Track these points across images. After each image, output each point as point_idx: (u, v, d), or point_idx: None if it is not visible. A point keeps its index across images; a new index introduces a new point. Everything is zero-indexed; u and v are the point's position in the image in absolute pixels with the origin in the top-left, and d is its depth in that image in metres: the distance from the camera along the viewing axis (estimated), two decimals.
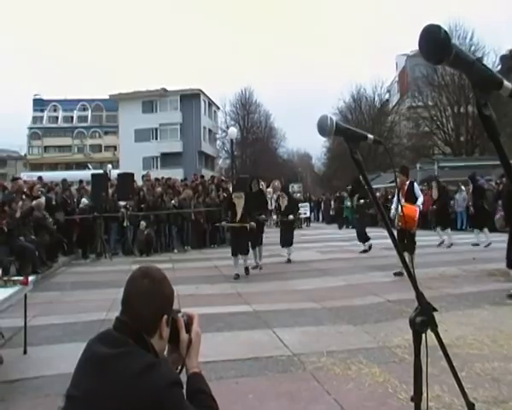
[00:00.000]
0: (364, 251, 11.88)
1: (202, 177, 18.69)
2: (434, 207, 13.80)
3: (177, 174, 25.88)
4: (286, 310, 6.15)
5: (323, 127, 1.36)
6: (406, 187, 8.33)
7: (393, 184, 24.51)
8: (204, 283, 8.40)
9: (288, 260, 10.76)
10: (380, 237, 12.07)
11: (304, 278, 8.63)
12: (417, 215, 8.01)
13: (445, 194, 13.98)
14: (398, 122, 43.20)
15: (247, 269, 9.12)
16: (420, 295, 1.40)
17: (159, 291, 1.45)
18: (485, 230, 12.45)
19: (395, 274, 8.05)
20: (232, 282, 8.52)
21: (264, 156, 47.21)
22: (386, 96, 47.86)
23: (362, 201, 12.06)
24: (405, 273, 1.47)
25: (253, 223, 8.90)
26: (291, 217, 10.95)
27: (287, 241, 10.89)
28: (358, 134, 1.43)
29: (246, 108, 50.73)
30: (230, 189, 15.06)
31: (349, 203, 14.91)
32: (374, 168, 34.45)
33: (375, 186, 28.27)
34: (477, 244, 12.32)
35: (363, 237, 12.16)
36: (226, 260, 10.22)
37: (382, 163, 36.57)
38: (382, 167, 34.16)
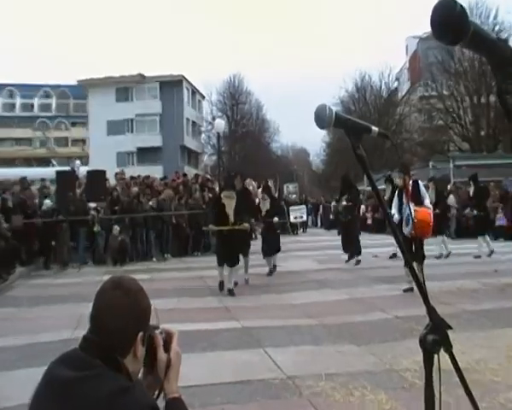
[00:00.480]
0: (354, 261, 11.73)
1: (185, 175, 18.69)
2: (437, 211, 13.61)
3: (155, 172, 25.76)
4: (279, 327, 6.15)
5: (321, 118, 1.36)
6: (411, 187, 8.32)
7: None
8: (186, 295, 8.40)
9: (270, 272, 10.55)
10: (382, 245, 12.17)
11: (300, 290, 8.65)
12: (432, 219, 8.02)
13: (443, 198, 13.90)
14: (409, 114, 43.24)
15: (232, 291, 8.53)
16: (431, 310, 1.40)
17: (133, 305, 1.44)
18: (487, 237, 12.48)
19: (405, 291, 8.03)
20: (218, 295, 8.52)
21: (256, 152, 47.35)
22: (395, 84, 48.09)
23: (348, 203, 11.85)
24: (416, 288, 1.47)
25: (246, 224, 8.85)
26: (275, 219, 10.81)
27: (270, 248, 10.63)
28: (361, 126, 1.43)
29: (235, 98, 50.83)
30: (217, 189, 15.07)
31: (334, 202, 14.80)
32: (380, 166, 34.61)
33: (381, 187, 28.02)
34: (479, 256, 12.08)
35: (355, 247, 11.89)
36: (212, 271, 10.19)
37: (390, 160, 36.57)
38: (390, 165, 34.20)
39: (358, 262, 11.72)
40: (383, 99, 46.24)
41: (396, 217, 8.22)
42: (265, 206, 10.90)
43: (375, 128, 1.45)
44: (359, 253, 11.84)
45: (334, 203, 14.90)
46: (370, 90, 46.85)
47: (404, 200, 8.21)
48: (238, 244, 8.84)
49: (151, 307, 1.54)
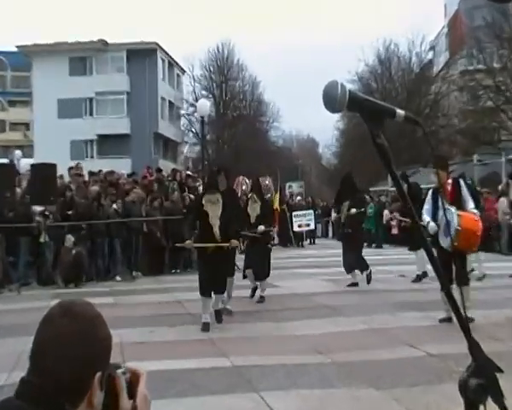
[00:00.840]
0: (353, 284, 11.78)
1: (159, 171, 18.69)
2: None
3: (122, 166, 25.79)
4: (279, 365, 6.14)
5: (332, 98, 1.36)
6: (450, 187, 8.20)
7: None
8: (161, 325, 8.41)
9: (261, 299, 10.41)
10: (411, 262, 12.18)
11: (305, 318, 8.67)
12: (480, 228, 7.92)
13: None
14: (447, 94, 43.29)
15: (219, 314, 8.56)
16: (475, 347, 1.39)
17: (86, 336, 1.43)
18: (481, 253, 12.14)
19: (441, 321, 7.99)
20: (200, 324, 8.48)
21: (250, 142, 47.37)
22: (429, 55, 48.40)
23: (354, 210, 11.74)
24: (455, 318, 1.46)
25: (235, 241, 8.60)
26: (261, 228, 10.21)
27: (259, 271, 10.37)
28: (383, 109, 1.43)
29: (223, 73, 50.96)
30: (201, 189, 15.07)
31: (334, 214, 14.79)
32: (409, 160, 34.76)
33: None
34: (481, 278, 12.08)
35: (361, 264, 11.92)
36: (194, 293, 10.23)
37: (422, 152, 36.60)
38: (422, 160, 34.37)
39: (369, 279, 11.76)
40: (414, 74, 46.53)
41: (431, 225, 8.04)
42: (255, 211, 10.53)
43: (400, 111, 1.46)
44: (367, 267, 11.92)
45: (334, 215, 14.88)
46: (397, 62, 47.08)
47: (442, 203, 8.17)
48: (225, 264, 8.58)
49: (111, 339, 1.53)
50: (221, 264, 8.28)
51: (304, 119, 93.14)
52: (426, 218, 8.17)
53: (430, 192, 8.61)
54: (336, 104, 1.37)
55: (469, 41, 38.65)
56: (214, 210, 8.37)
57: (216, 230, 8.25)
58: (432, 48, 48.31)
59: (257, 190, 11.06)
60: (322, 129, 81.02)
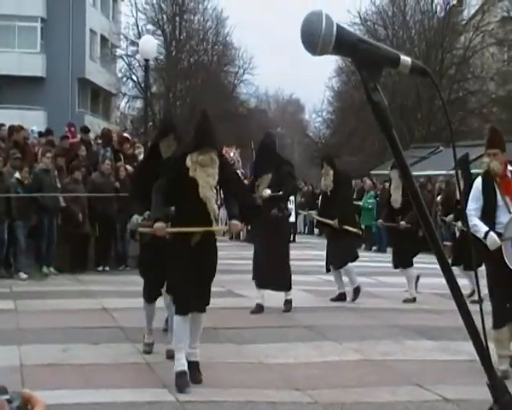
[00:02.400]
0: (340, 297, 12.03)
1: (86, 130, 18.48)
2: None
3: (32, 121, 25.52)
4: (240, 404, 6.16)
5: (313, 36, 1.36)
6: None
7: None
8: (79, 341, 8.36)
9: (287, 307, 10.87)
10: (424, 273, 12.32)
11: (278, 341, 8.67)
12: None
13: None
14: (481, 49, 43.60)
15: (195, 367, 7.13)
16: (499, 388, 1.41)
17: None
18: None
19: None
20: (136, 342, 8.47)
21: (211, 99, 47.03)
22: None
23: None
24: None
25: (236, 222, 7.61)
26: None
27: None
28: (382, 53, 1.43)
29: (177, 2, 50.29)
30: (141, 157, 14.95)
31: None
32: (427, 135, 34.98)
33: (420, 173, 27.83)
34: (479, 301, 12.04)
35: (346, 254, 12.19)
36: (128, 299, 10.18)
37: (444, 128, 36.93)
38: (444, 136, 34.65)
39: (357, 293, 11.98)
40: (436, 20, 46.60)
41: (492, 238, 7.27)
42: None
43: (406, 58, 1.45)
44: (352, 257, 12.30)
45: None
46: (415, 3, 47.10)
47: (502, 199, 7.43)
48: (215, 263, 7.62)
49: None
50: (211, 263, 7.46)
51: (285, 73, 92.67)
52: (478, 225, 7.37)
53: (479, 182, 7.74)
54: (319, 44, 1.36)
55: None
56: (206, 177, 7.29)
57: (211, 206, 7.33)
58: None
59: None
60: (310, 87, 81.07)
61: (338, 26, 1.35)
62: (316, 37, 1.34)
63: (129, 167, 15.70)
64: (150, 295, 8.13)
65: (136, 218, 7.92)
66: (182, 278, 7.21)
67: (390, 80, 35.97)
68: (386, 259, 13.78)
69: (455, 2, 47.55)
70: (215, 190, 7.44)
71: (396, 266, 12.85)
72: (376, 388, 6.80)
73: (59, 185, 15.03)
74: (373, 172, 32.34)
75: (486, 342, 1.48)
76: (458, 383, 6.89)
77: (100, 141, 17.85)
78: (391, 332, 9.48)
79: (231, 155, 18.89)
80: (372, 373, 7.35)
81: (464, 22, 46.40)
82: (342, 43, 1.37)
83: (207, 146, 7.34)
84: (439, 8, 46.59)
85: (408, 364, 7.80)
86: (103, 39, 48.80)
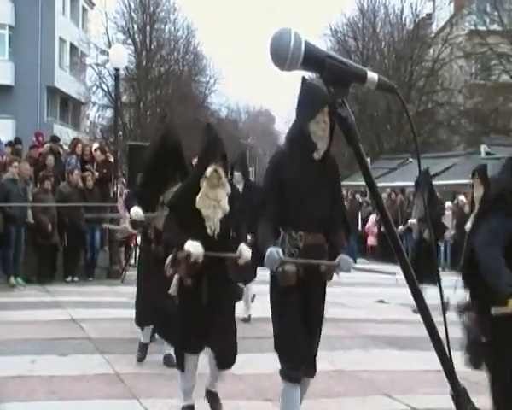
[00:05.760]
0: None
1: (55, 140, 18.40)
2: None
3: (0, 130, 25.28)
4: None
5: (281, 52, 1.39)
6: None
7: (451, 182, 23.81)
8: (47, 352, 8.31)
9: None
10: (393, 284, 12.33)
11: (247, 351, 8.55)
12: None
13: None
14: (449, 61, 44.04)
15: (214, 398, 6.51)
16: (461, 395, 1.43)
17: None
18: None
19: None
20: (105, 353, 8.45)
21: (182, 109, 47.02)
22: (427, 8, 48.93)
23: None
24: None
25: (245, 247, 6.12)
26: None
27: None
28: (350, 69, 1.45)
29: (148, 11, 50.14)
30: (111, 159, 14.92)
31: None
32: (396, 146, 35.06)
33: (389, 184, 27.90)
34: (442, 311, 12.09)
35: None
36: (97, 310, 10.14)
37: (413, 139, 36.93)
38: (413, 147, 34.75)
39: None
40: (406, 32, 46.89)
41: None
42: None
43: (373, 74, 1.47)
44: None
45: None
46: (385, 15, 47.38)
47: None
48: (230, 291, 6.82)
49: None
50: (222, 293, 6.33)
51: (256, 85, 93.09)
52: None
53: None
54: (287, 60, 1.37)
55: None
56: (215, 200, 6.08)
57: (212, 231, 6.11)
58: None
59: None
60: (280, 100, 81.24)
61: (307, 42, 1.37)
62: (284, 53, 1.36)
63: (96, 175, 15.73)
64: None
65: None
66: (187, 310, 6.28)
67: (360, 91, 36.09)
68: (355, 268, 13.76)
69: (424, 15, 48.04)
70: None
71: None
72: (345, 398, 6.84)
73: (29, 197, 14.92)
74: (345, 182, 32.23)
75: (450, 353, 1.50)
76: (427, 393, 6.94)
77: (70, 150, 17.75)
78: (360, 342, 9.53)
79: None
80: (341, 383, 7.38)
81: (433, 35, 47.04)
82: (310, 60, 1.39)
83: (223, 163, 6.18)
84: (408, 20, 47.13)
85: (377, 374, 7.84)
86: (73, 48, 48.59)
